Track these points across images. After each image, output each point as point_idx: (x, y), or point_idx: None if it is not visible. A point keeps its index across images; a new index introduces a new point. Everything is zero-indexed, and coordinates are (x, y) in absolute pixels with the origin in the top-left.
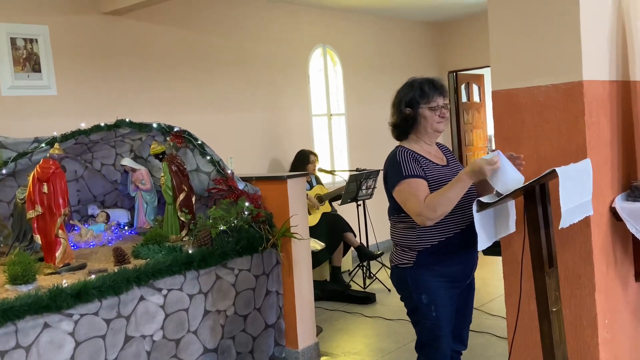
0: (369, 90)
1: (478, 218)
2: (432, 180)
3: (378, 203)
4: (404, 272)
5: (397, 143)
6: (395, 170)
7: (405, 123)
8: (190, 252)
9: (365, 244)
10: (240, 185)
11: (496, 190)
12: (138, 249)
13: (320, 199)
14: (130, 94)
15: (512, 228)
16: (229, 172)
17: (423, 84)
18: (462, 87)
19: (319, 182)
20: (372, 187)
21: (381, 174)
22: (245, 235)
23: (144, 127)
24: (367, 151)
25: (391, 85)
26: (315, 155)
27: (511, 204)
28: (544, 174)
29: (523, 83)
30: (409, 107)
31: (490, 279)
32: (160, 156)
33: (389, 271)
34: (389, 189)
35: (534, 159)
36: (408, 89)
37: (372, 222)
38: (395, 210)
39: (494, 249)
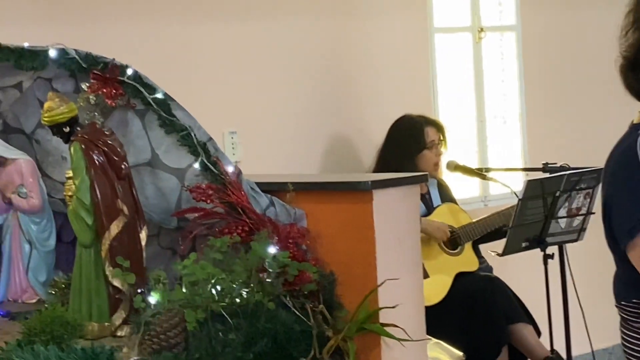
0: None
1: None
2: None
3: (598, 250)
4: None
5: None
6: (633, 193)
7: None
8: None
9: (565, 354)
10: (259, 204)
11: None
12: (9, 355)
13: (455, 240)
14: None
15: None
16: (230, 169)
17: None
18: None
19: (447, 196)
20: (583, 210)
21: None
22: (270, 329)
23: (27, 57)
24: (572, 123)
25: None
26: (439, 128)
27: None
28: None
29: None
30: None
31: None
32: (66, 129)
33: None
34: (618, 237)
35: None
36: None
37: (580, 299)
38: (636, 289)
39: None
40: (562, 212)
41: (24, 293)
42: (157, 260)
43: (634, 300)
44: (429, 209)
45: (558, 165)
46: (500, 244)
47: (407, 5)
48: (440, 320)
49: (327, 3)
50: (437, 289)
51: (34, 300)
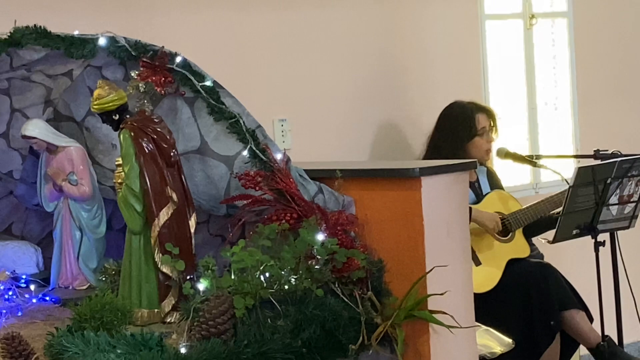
0: None
1: None
2: None
3: None
4: None
5: None
6: None
7: None
8: (183, 351)
9: (616, 340)
10: (308, 191)
11: None
12: (59, 341)
13: (505, 226)
14: None
15: None
16: (279, 156)
17: None
18: None
19: (496, 184)
20: (634, 197)
21: None
22: (318, 316)
23: (77, 45)
24: (624, 110)
25: None
26: (490, 115)
27: None
28: None
29: None
30: None
31: None
32: (116, 117)
33: None
34: None
35: None
36: None
37: (632, 286)
38: None
39: None
40: (614, 199)
41: (75, 280)
42: (207, 247)
43: None
44: (479, 196)
45: (609, 152)
46: (551, 232)
47: None
48: (493, 307)
49: None
50: (489, 276)
51: (84, 287)
